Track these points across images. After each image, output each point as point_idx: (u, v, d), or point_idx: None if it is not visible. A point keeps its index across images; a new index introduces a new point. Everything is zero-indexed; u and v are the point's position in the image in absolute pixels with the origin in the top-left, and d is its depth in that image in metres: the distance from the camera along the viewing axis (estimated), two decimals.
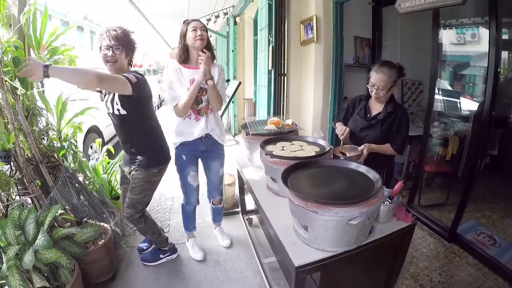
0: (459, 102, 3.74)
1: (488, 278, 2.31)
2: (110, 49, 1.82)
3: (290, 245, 1.35)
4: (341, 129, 2.12)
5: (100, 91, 1.98)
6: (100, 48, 1.84)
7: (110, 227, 2.37)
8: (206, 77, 2.08)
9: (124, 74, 1.77)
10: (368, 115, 2.11)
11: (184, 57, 2.15)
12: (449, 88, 3.94)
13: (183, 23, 2.14)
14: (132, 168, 2.09)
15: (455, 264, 2.48)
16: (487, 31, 2.42)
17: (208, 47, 2.17)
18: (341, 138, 2.07)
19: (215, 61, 2.28)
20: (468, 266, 2.45)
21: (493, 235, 2.79)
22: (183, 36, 2.11)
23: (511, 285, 2.23)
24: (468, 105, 3.72)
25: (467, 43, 3.61)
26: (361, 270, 1.55)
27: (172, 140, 2.28)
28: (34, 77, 1.43)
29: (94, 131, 4.71)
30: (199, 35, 2.05)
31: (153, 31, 10.13)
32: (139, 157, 2.06)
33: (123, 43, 1.87)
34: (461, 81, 3.98)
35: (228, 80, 2.99)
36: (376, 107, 2.10)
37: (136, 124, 1.99)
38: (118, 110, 1.89)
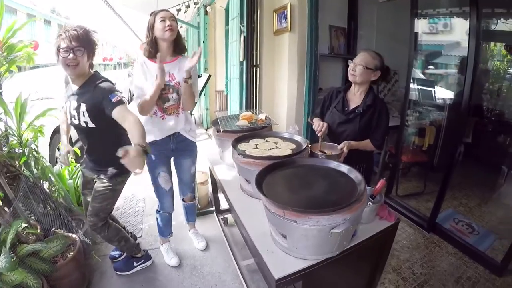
0: (434, 92, 3.74)
1: (468, 267, 2.33)
2: (71, 51, 1.62)
3: (268, 254, 1.25)
4: (318, 125, 1.98)
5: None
6: (59, 50, 1.63)
7: (79, 237, 2.20)
8: (185, 75, 1.95)
9: (112, 99, 1.64)
10: (346, 109, 2.01)
11: (154, 51, 1.96)
12: (425, 77, 3.94)
13: (151, 14, 1.97)
14: (96, 176, 1.94)
15: (436, 254, 2.49)
16: (465, 21, 2.39)
17: (178, 38, 2.02)
18: (319, 135, 1.96)
19: (185, 54, 2.14)
20: (449, 255, 2.46)
21: (471, 223, 2.82)
22: (151, 28, 1.94)
23: (491, 272, 2.25)
24: (444, 94, 3.73)
25: (439, 32, 3.61)
26: (344, 273, 1.48)
27: None
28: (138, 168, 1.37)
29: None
30: (168, 25, 1.90)
31: (122, 23, 9.78)
32: (103, 166, 1.91)
33: (85, 44, 1.67)
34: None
35: (200, 76, 2.85)
36: (354, 100, 2.01)
37: (104, 135, 1.82)
38: (86, 122, 1.72)
